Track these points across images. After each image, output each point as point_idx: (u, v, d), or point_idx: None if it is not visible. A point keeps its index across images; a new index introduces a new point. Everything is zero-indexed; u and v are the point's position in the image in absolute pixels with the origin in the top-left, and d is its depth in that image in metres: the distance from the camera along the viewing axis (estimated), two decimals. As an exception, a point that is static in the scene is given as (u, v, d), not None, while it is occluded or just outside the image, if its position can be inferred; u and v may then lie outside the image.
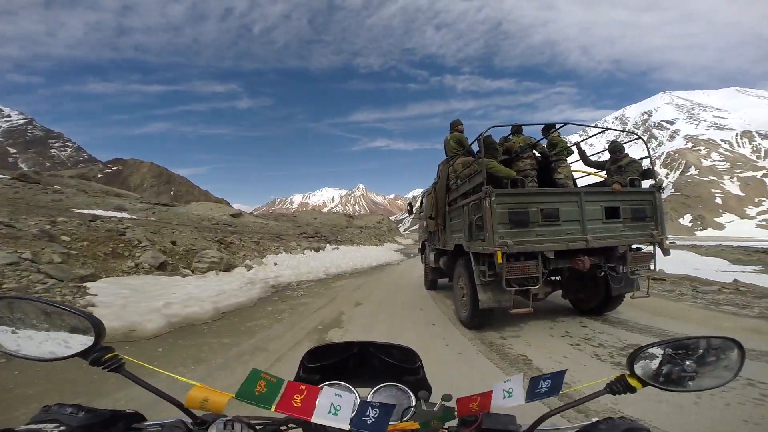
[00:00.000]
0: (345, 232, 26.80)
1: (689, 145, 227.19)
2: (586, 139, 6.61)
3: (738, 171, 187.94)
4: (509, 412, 0.73)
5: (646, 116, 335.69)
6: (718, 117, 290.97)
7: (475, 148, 5.75)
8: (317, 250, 14.19)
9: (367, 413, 0.64)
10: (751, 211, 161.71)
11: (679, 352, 0.72)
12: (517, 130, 5.93)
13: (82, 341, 0.69)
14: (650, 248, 4.84)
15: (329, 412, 0.64)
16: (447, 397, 0.79)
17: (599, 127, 6.30)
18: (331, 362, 0.95)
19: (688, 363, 0.71)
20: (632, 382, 0.69)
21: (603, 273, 4.72)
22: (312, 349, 0.94)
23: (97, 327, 0.68)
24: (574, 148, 6.07)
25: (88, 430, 0.59)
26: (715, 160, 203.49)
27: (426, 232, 8.08)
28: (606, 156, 5.82)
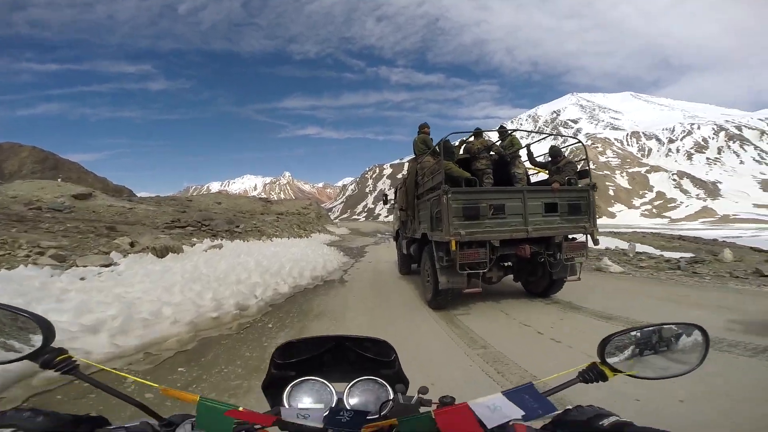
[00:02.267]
0: (254, 220, 19.89)
1: (589, 142, 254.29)
2: (534, 142, 7.03)
3: (627, 167, 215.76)
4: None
5: (555, 115, 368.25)
6: (614, 118, 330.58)
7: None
8: (162, 254, 6.81)
9: (341, 413, 0.63)
10: (636, 202, 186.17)
11: (647, 339, 0.72)
12: (477, 133, 6.42)
13: (31, 343, 0.65)
14: (583, 239, 5.54)
15: (297, 416, 0.63)
16: (423, 390, 0.78)
17: (547, 133, 7.63)
18: (304, 358, 0.89)
19: (656, 350, 0.72)
20: (604, 369, 0.69)
21: (543, 259, 5.35)
22: (282, 345, 0.88)
23: (45, 328, 0.65)
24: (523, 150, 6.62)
25: None
26: (609, 157, 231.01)
27: (399, 222, 8.45)
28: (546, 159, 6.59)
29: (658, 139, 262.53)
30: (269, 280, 6.68)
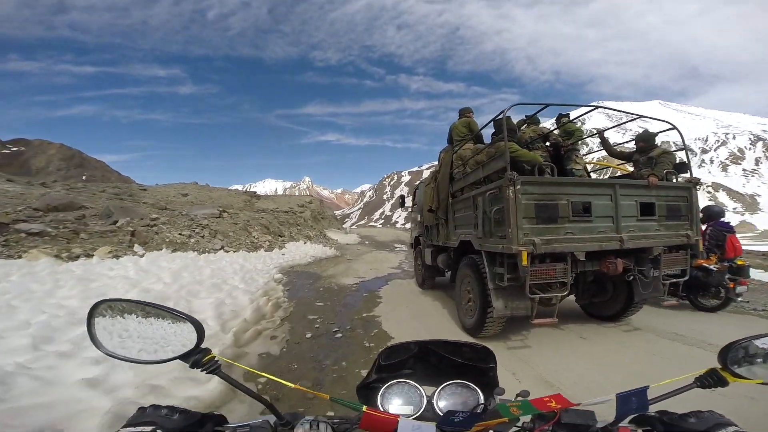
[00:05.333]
0: (164, 216, 15.34)
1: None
2: (612, 127, 6.18)
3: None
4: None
5: (579, 123, 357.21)
6: (641, 127, 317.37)
7: (485, 132, 5.39)
8: None
9: (455, 414, 0.66)
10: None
11: None
12: (531, 120, 5.38)
13: (184, 343, 0.68)
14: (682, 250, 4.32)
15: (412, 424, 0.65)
16: (525, 393, 0.77)
17: (633, 114, 4.91)
18: (398, 360, 0.92)
19: None
20: (725, 375, 0.67)
21: (632, 277, 4.04)
22: (388, 347, 0.92)
23: (198, 329, 0.68)
24: (590, 138, 5.54)
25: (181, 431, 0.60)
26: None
27: (421, 227, 7.15)
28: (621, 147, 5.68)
29: (691, 150, 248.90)
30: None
